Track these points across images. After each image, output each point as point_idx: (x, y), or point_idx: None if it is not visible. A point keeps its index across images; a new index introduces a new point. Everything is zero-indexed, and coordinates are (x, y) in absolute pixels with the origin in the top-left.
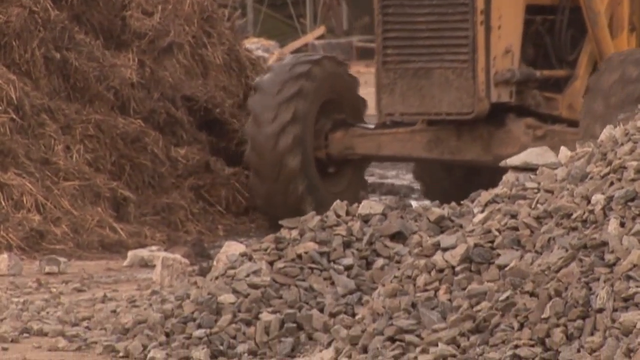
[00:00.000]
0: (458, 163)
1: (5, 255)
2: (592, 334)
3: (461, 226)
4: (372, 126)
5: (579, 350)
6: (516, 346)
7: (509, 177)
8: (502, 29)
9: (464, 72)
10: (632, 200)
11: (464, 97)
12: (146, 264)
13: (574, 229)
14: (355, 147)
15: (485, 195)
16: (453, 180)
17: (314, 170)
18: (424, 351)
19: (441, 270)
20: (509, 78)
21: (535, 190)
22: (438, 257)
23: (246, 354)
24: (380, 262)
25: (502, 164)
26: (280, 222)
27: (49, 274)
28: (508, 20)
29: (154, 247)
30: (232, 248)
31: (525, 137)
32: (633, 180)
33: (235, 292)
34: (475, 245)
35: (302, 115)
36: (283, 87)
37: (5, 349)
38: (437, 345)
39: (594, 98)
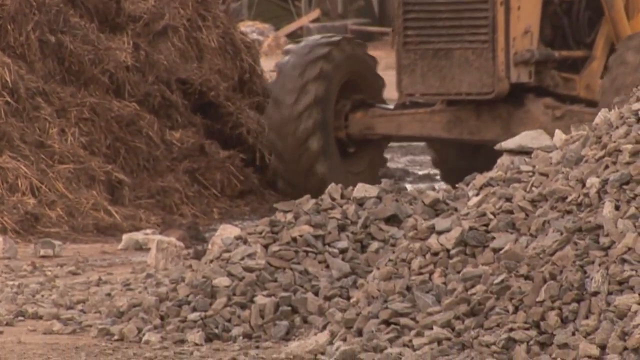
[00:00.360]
0: (477, 143)
1: (0, 239)
2: (587, 317)
3: (456, 209)
4: (391, 107)
5: (573, 334)
6: (511, 329)
7: (504, 160)
8: (521, 10)
9: (484, 53)
10: (627, 183)
11: (484, 77)
12: (141, 247)
13: (569, 212)
14: (375, 127)
15: (480, 179)
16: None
17: (335, 151)
18: (419, 334)
19: (436, 254)
20: (528, 58)
21: (530, 174)
22: (433, 241)
23: (241, 337)
24: (375, 245)
25: (497, 147)
26: (275, 205)
27: (43, 257)
28: (527, 1)
29: (148, 231)
30: (227, 231)
31: (544, 117)
32: (628, 163)
33: (230, 275)
34: (470, 228)
35: (323, 98)
36: (304, 70)
37: (0, 332)
38: (431, 328)
39: (626, 46)
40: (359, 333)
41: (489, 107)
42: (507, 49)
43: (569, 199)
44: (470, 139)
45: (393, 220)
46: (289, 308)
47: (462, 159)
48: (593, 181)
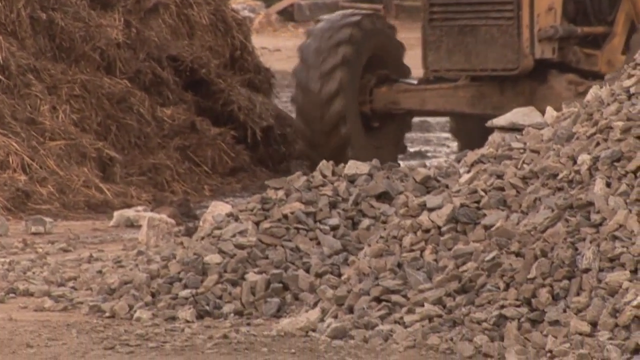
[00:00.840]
0: None
1: None
2: (578, 294)
3: (447, 186)
4: (415, 81)
5: (565, 311)
6: (502, 306)
7: (495, 137)
8: None
9: (509, 29)
10: (618, 160)
11: (509, 53)
12: (132, 224)
13: (560, 189)
14: (400, 102)
15: (471, 155)
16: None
17: (361, 130)
18: (410, 311)
19: (427, 231)
20: (552, 35)
21: (522, 151)
22: (424, 218)
23: (232, 314)
24: (366, 222)
25: (489, 124)
26: (266, 182)
27: (35, 234)
28: None
29: (139, 208)
30: (218, 208)
31: (567, 93)
32: (619, 140)
33: (221, 252)
34: (461, 205)
35: (347, 83)
36: (327, 56)
37: None
38: (423, 305)
39: None
40: (350, 310)
41: (513, 83)
42: (531, 26)
43: (560, 176)
44: (494, 114)
45: (384, 197)
46: (280, 285)
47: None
48: (584, 158)
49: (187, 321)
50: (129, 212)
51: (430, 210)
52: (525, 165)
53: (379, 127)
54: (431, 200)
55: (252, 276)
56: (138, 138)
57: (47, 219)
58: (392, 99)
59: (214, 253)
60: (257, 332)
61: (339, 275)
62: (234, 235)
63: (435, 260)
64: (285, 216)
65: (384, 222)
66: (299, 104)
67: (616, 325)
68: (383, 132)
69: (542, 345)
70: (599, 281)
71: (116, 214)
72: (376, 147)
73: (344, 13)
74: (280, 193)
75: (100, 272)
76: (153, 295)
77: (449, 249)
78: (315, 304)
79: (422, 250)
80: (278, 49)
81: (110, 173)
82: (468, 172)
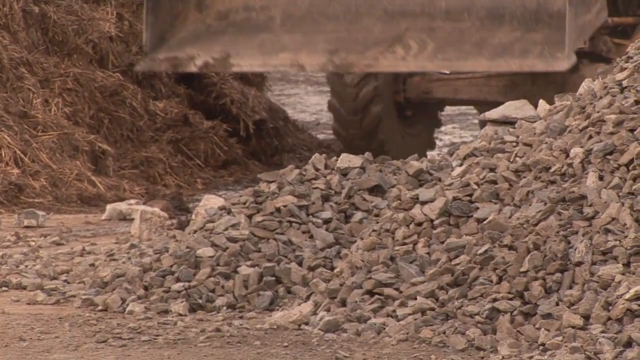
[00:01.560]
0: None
1: None
2: (570, 288)
3: (440, 180)
4: (447, 71)
5: (557, 304)
6: (495, 299)
7: (488, 130)
8: None
9: None
10: (611, 153)
11: None
12: (125, 218)
13: (553, 182)
14: (433, 92)
15: (463, 149)
16: None
17: (393, 114)
18: (403, 304)
19: (420, 224)
20: None
21: (514, 144)
22: (416, 211)
23: (225, 308)
24: (358, 215)
25: (481, 117)
26: (258, 175)
27: (27, 227)
28: None
29: (132, 201)
30: (211, 201)
31: None
32: (612, 133)
33: (214, 245)
34: (454, 198)
35: None
36: None
37: None
38: (415, 298)
39: None
40: (343, 303)
41: (544, 73)
42: None
43: (553, 169)
44: None
45: (377, 190)
46: (273, 278)
47: None
48: (577, 151)
49: (180, 314)
50: (122, 206)
51: (423, 203)
52: (517, 159)
53: (412, 116)
54: (424, 193)
55: (244, 269)
56: (131, 131)
57: (40, 212)
58: (424, 88)
59: (206, 246)
60: (250, 326)
61: (332, 268)
62: (226, 229)
63: (428, 253)
64: (278, 209)
65: (377, 216)
66: (334, 83)
67: (609, 318)
68: (415, 121)
69: (534, 338)
70: (592, 274)
71: (109, 207)
72: (408, 135)
73: None
74: (273, 186)
75: (92, 265)
76: (146, 288)
77: (442, 242)
78: (308, 297)
79: (415, 243)
80: None
81: (102, 166)
82: (460, 165)
